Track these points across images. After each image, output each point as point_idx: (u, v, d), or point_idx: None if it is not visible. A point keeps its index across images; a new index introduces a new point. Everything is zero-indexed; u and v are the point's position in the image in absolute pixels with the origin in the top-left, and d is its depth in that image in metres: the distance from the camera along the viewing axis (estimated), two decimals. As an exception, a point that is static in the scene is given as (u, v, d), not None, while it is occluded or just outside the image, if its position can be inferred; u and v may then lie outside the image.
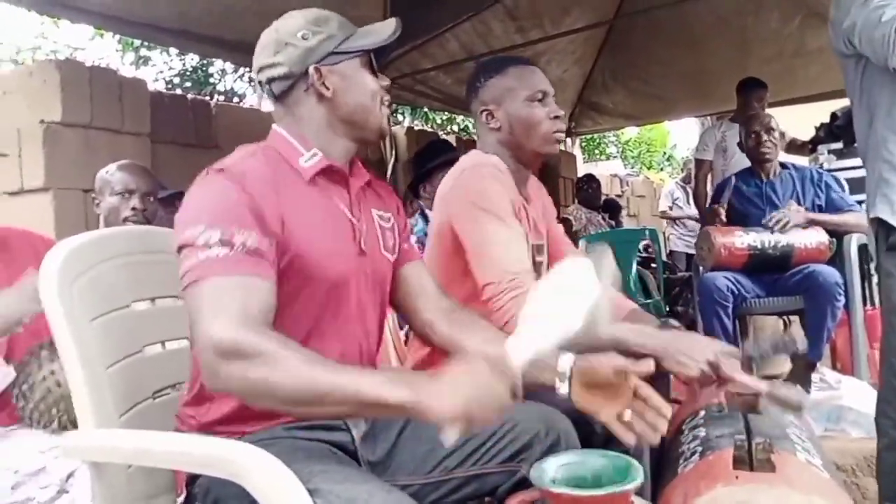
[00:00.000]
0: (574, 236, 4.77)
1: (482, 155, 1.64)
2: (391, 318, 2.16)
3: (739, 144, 3.42)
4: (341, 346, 1.18)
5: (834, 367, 3.06)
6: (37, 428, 1.67)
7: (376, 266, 1.25)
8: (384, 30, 1.24)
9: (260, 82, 1.23)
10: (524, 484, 1.16)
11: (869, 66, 1.62)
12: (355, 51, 1.20)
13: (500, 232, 1.46)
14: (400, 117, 9.55)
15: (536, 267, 1.67)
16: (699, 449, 1.45)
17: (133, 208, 2.26)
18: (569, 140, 7.18)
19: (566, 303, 1.02)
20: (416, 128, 6.56)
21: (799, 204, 3.14)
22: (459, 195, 1.54)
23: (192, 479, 1.10)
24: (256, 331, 0.97)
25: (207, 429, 1.13)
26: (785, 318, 3.52)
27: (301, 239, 1.11)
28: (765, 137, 3.21)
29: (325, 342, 1.15)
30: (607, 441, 1.31)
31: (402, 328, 2.20)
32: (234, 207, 1.05)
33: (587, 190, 5.72)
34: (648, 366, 1.12)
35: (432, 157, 3.21)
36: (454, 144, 4.13)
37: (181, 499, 1.13)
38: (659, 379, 1.60)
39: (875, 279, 3.18)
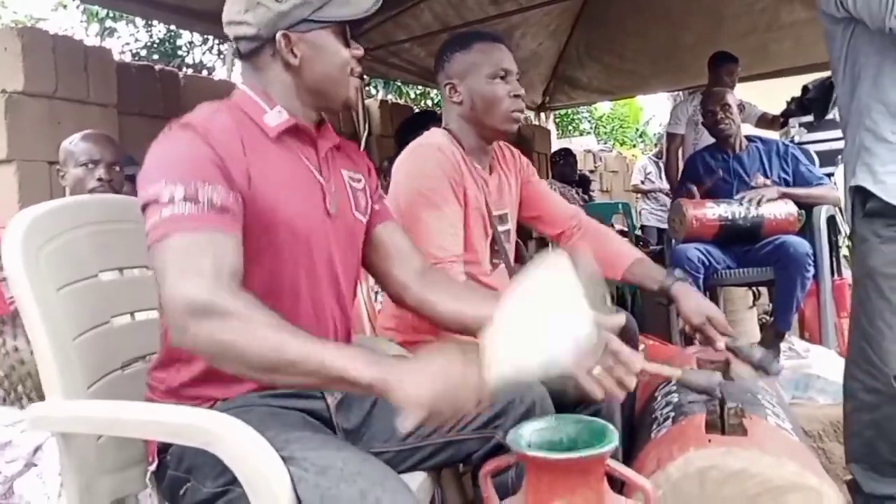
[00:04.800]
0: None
1: (433, 135, 1.67)
2: (366, 288, 2.15)
3: (703, 122, 3.44)
4: (313, 308, 1.17)
5: (802, 337, 3.12)
6: (3, 405, 1.64)
7: (348, 228, 1.24)
8: None
9: (227, 36, 1.19)
10: (499, 450, 1.17)
11: (857, 33, 1.60)
12: (330, 20, 1.15)
13: (431, 217, 1.52)
14: (373, 90, 9.44)
15: (498, 235, 1.69)
16: (672, 414, 1.46)
17: (99, 179, 2.20)
18: (543, 115, 7.16)
19: (550, 321, 0.95)
20: (389, 101, 6.49)
21: (766, 177, 3.17)
22: (404, 174, 1.60)
23: (165, 447, 1.09)
24: (229, 291, 0.95)
25: (177, 392, 1.11)
26: (755, 288, 3.57)
27: (268, 195, 1.09)
28: (720, 115, 3.23)
29: (296, 302, 1.13)
30: (579, 405, 1.33)
31: (376, 299, 2.20)
32: (198, 161, 1.02)
33: (563, 164, 5.71)
34: (620, 319, 1.12)
35: (415, 129, 3.16)
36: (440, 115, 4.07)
37: (153, 467, 1.11)
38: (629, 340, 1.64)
39: (843, 250, 3.24)
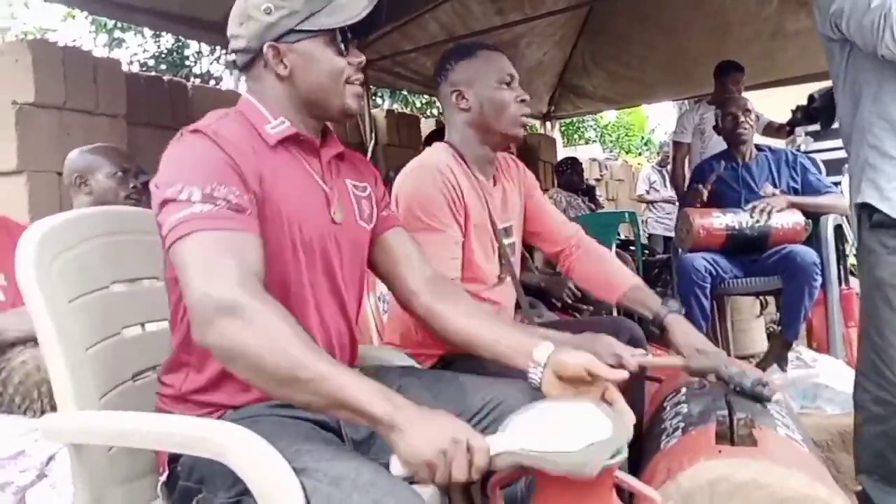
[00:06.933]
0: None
1: (434, 152, 1.67)
2: (373, 299, 2.16)
3: (715, 127, 3.44)
4: (318, 315, 1.18)
5: (810, 346, 3.11)
6: (18, 413, 1.64)
7: (353, 236, 1.25)
8: (355, 6, 1.16)
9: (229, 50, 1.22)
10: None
11: (854, 51, 1.62)
12: (318, 30, 1.15)
13: (430, 241, 1.51)
14: (379, 100, 9.47)
15: (504, 249, 1.69)
16: (681, 425, 1.46)
17: (134, 186, 2.24)
18: (548, 124, 7.17)
19: (568, 432, 0.94)
20: (395, 110, 6.51)
21: (774, 186, 3.16)
22: (403, 195, 1.60)
23: (175, 457, 1.09)
24: (256, 294, 0.96)
25: (186, 398, 1.12)
26: (762, 297, 3.56)
27: (277, 200, 1.10)
28: (742, 118, 3.23)
29: (302, 309, 1.14)
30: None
31: (384, 310, 2.20)
32: (212, 164, 1.04)
33: (571, 173, 5.70)
34: (622, 374, 1.13)
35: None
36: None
37: (163, 477, 1.11)
38: (634, 387, 1.65)
39: (850, 259, 3.23)
